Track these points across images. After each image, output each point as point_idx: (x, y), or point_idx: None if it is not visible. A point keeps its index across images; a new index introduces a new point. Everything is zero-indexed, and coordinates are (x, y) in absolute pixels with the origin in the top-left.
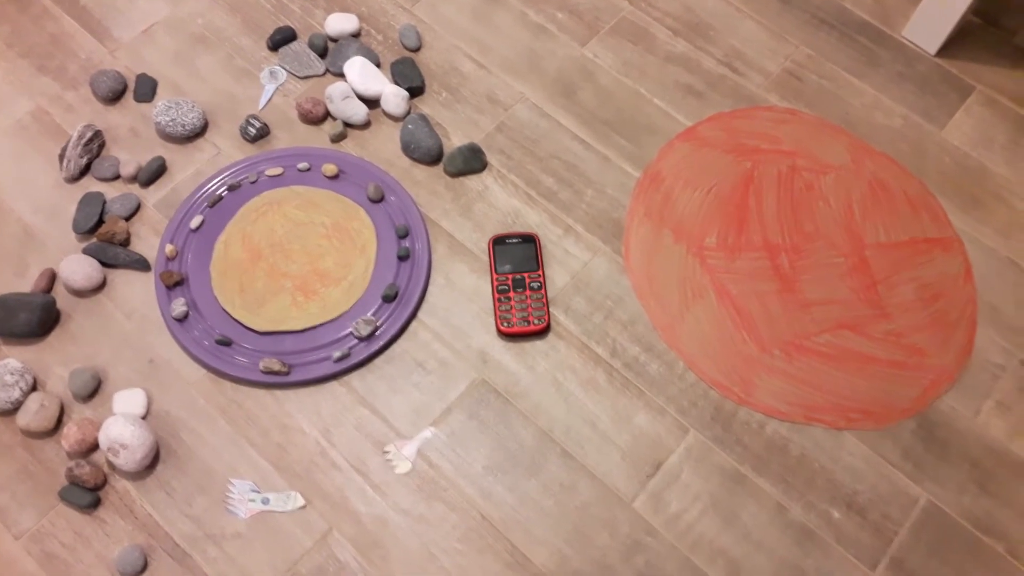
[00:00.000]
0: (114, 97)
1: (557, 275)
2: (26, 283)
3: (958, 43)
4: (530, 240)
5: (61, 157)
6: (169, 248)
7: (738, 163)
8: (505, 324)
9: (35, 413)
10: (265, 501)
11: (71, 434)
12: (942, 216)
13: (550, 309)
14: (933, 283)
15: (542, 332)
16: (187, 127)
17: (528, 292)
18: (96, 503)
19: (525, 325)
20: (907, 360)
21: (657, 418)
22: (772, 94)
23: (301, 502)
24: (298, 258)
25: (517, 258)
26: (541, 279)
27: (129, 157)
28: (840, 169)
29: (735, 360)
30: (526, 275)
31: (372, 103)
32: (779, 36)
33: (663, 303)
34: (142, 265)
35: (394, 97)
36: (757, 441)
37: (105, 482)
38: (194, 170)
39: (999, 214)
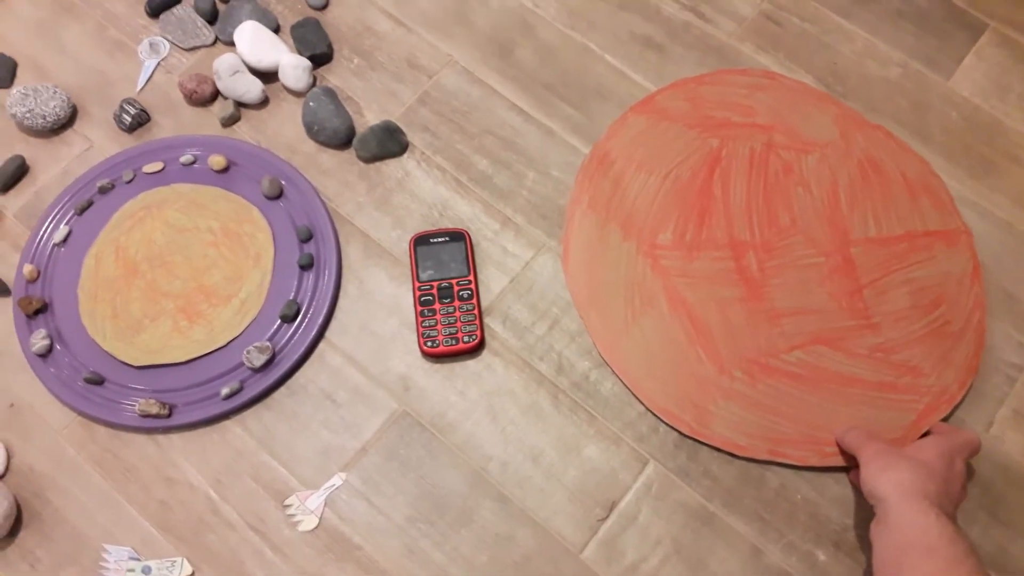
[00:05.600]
0: None
1: (493, 279)
2: None
3: None
4: (459, 237)
5: None
6: (28, 269)
7: (703, 140)
8: (429, 344)
9: None
10: (146, 570)
11: None
12: (947, 202)
13: (484, 321)
14: (932, 286)
15: (474, 350)
16: (49, 118)
17: (457, 303)
18: None
19: (453, 344)
20: (897, 381)
21: (611, 448)
22: (745, 43)
23: (188, 569)
24: (181, 272)
25: (443, 261)
26: (472, 286)
27: None
28: (826, 146)
29: (687, 383)
30: (454, 282)
31: (270, 77)
32: None
33: (605, 315)
34: (0, 290)
35: (293, 69)
36: (729, 472)
37: None
38: (60, 169)
39: (1015, 179)
